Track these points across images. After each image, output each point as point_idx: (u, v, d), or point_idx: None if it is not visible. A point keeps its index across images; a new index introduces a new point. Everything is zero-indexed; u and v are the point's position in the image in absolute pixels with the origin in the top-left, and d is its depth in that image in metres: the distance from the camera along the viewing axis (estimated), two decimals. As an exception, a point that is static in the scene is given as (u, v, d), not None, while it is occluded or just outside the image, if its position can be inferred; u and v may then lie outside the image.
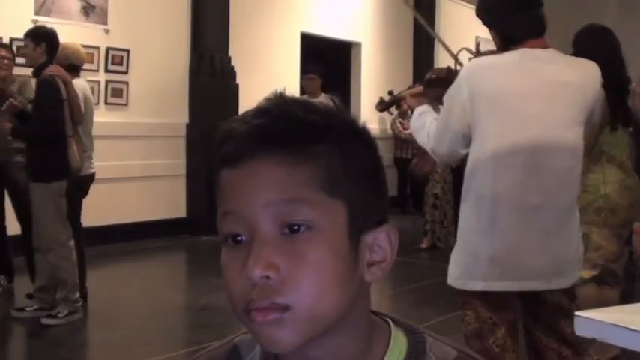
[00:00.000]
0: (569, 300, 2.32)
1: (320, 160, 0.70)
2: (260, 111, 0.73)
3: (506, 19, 2.29)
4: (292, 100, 0.74)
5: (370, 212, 0.74)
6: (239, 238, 0.71)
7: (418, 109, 2.54)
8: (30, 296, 4.62)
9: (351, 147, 0.73)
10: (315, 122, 0.71)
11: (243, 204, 0.70)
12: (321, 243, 0.69)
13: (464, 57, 2.86)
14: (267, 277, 0.67)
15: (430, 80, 2.64)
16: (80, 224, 4.95)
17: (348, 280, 0.71)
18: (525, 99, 2.20)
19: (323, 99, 6.65)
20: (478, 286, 2.23)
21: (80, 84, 4.84)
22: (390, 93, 2.90)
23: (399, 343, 0.77)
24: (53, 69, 4.42)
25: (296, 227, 0.69)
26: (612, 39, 3.25)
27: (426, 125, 2.42)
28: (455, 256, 2.30)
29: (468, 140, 2.27)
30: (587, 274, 3.11)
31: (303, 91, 7.51)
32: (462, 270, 2.27)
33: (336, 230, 0.70)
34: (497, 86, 2.22)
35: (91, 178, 4.96)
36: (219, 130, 0.74)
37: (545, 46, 2.28)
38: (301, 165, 0.69)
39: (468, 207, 2.27)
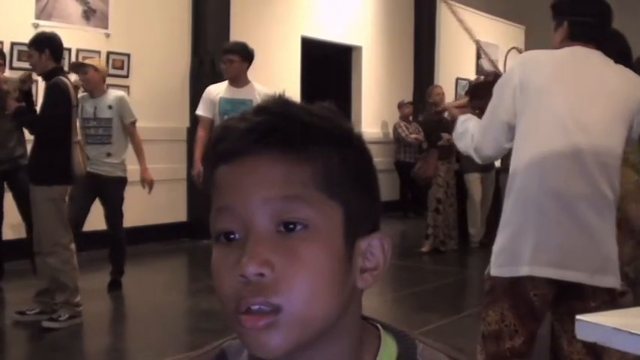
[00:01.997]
0: (611, 302, 2.24)
1: (318, 161, 0.70)
2: (260, 109, 0.73)
3: (587, 17, 2.35)
4: (292, 102, 0.74)
5: (365, 218, 0.74)
6: (232, 236, 0.70)
7: (462, 117, 2.59)
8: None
9: (348, 152, 0.73)
10: (314, 124, 0.71)
11: (239, 200, 0.69)
12: (317, 243, 0.68)
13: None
14: (262, 275, 0.66)
15: (477, 86, 2.68)
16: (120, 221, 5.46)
17: (341, 283, 0.70)
18: (573, 98, 2.24)
19: (251, 89, 5.54)
20: (523, 270, 2.22)
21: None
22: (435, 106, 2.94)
23: (388, 348, 0.76)
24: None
25: (292, 225, 0.68)
26: (626, 42, 3.26)
27: (469, 130, 2.48)
28: (499, 248, 2.31)
29: (512, 132, 2.31)
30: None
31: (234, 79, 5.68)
32: (507, 258, 2.27)
33: (332, 232, 0.70)
34: (547, 79, 2.26)
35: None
36: (216, 128, 0.73)
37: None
38: (300, 163, 0.69)
39: (512, 201, 2.28)
